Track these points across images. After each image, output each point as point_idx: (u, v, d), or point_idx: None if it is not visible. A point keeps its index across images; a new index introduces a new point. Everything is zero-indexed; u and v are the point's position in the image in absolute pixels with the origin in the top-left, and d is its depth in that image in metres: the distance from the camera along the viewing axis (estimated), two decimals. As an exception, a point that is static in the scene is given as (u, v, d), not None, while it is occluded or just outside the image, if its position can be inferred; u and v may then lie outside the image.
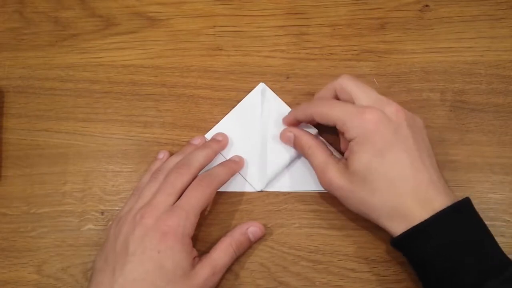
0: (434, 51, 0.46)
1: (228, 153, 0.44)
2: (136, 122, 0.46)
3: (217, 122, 0.45)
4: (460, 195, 0.42)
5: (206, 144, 0.43)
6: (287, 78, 0.46)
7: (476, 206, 0.42)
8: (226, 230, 0.42)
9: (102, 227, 0.43)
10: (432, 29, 0.46)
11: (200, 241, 0.42)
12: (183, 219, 0.37)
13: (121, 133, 0.45)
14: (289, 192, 0.43)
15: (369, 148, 0.36)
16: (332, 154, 0.40)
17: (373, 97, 0.38)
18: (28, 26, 0.49)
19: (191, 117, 0.46)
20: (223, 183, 0.41)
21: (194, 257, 0.38)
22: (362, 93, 0.38)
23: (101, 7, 0.49)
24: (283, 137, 0.43)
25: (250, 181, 0.43)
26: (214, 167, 0.41)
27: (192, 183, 0.39)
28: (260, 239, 0.41)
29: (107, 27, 0.48)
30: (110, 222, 0.41)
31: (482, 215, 0.41)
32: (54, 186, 0.44)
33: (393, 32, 0.46)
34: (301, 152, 0.42)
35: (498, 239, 0.41)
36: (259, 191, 0.43)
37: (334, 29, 0.47)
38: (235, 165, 0.42)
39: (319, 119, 0.39)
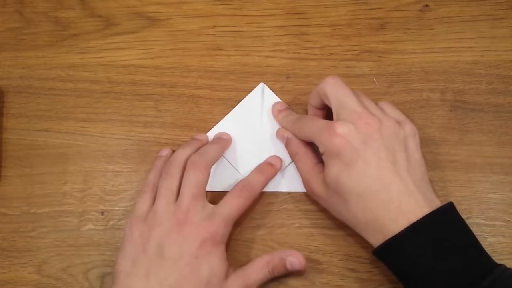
0: (434, 51, 0.46)
1: (228, 153, 0.44)
2: (136, 122, 0.46)
3: (217, 122, 0.45)
4: (460, 195, 0.42)
5: (215, 140, 0.43)
6: (287, 78, 0.46)
7: (476, 206, 0.42)
8: (226, 230, 0.42)
9: (102, 227, 0.43)
10: (432, 29, 0.46)
11: (200, 241, 0.42)
12: (222, 227, 0.37)
13: (121, 133, 0.45)
14: (289, 192, 0.43)
15: (337, 161, 0.36)
16: (318, 163, 0.40)
17: (349, 109, 0.37)
18: (28, 26, 0.49)
19: (191, 117, 0.46)
20: (260, 190, 0.41)
21: (228, 267, 0.38)
22: (340, 107, 0.38)
23: (101, 7, 0.49)
24: (278, 136, 0.43)
25: (250, 181, 0.43)
26: (251, 173, 0.41)
27: (233, 191, 0.40)
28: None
29: (107, 27, 0.48)
30: (128, 223, 0.40)
31: (482, 215, 0.42)
32: (54, 186, 0.44)
33: (393, 32, 0.46)
34: (290, 157, 0.42)
35: (498, 239, 0.41)
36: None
37: (334, 29, 0.47)
38: (272, 169, 0.42)
39: (298, 136, 0.41)
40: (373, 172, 0.35)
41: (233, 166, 0.43)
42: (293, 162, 0.43)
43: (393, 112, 0.39)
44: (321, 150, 0.38)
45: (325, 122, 0.38)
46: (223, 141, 0.43)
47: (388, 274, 0.40)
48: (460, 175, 0.43)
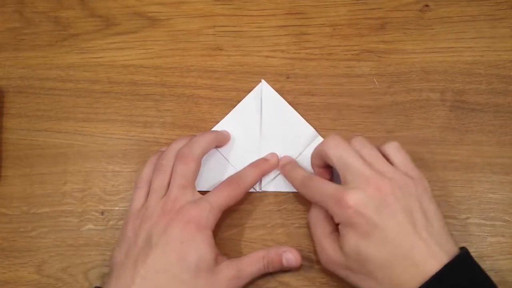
0: (434, 51, 0.46)
1: (228, 153, 0.44)
2: (136, 122, 0.46)
3: (217, 122, 0.45)
4: (460, 196, 0.42)
5: (207, 131, 0.43)
6: (287, 78, 0.46)
7: (476, 206, 0.42)
8: (226, 230, 0.42)
9: (102, 227, 0.43)
10: (432, 29, 0.46)
11: (200, 241, 0.42)
12: (207, 211, 0.37)
13: (121, 133, 0.45)
14: (289, 192, 0.43)
15: (353, 232, 0.34)
16: (334, 231, 0.38)
17: (356, 173, 0.35)
18: (28, 26, 0.49)
19: (191, 117, 0.46)
20: (252, 184, 0.41)
21: (219, 255, 0.38)
22: (345, 170, 0.36)
23: (101, 7, 0.49)
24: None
25: (250, 181, 0.43)
26: (245, 167, 0.42)
27: (223, 181, 0.40)
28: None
29: (107, 27, 0.48)
30: (124, 219, 0.41)
31: (482, 215, 0.42)
32: (54, 186, 0.44)
33: (393, 32, 0.46)
34: (307, 221, 0.41)
35: (498, 239, 0.41)
36: (259, 191, 0.43)
37: (334, 29, 0.47)
38: (267, 165, 0.42)
39: (307, 198, 0.39)
40: (394, 238, 0.34)
41: (233, 166, 0.43)
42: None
43: (400, 159, 0.37)
44: (335, 220, 0.36)
45: (334, 189, 0.36)
46: (216, 133, 0.43)
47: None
48: (460, 175, 0.43)
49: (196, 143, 0.40)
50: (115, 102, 0.46)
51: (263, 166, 0.42)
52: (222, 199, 0.39)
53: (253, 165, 0.42)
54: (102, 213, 0.44)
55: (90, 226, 0.43)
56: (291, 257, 0.39)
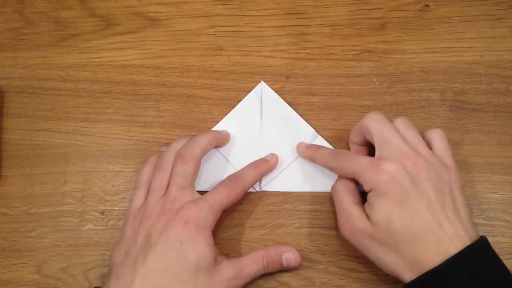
0: (434, 51, 0.46)
1: (228, 153, 0.44)
2: (136, 122, 0.46)
3: (217, 122, 0.45)
4: (460, 195, 0.42)
5: (206, 131, 0.43)
6: (287, 78, 0.46)
7: (476, 206, 0.42)
8: (226, 230, 0.42)
9: (102, 227, 0.43)
10: (432, 29, 0.46)
11: (200, 241, 0.42)
12: (206, 210, 0.37)
13: (121, 133, 0.45)
14: (289, 192, 0.43)
15: (386, 199, 0.35)
16: (360, 203, 0.38)
17: (394, 147, 0.36)
18: (28, 26, 0.49)
19: (191, 117, 0.46)
20: (252, 183, 0.41)
21: (218, 254, 0.38)
22: (383, 144, 0.37)
23: (101, 7, 0.49)
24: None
25: (250, 181, 0.43)
26: (244, 167, 0.42)
27: (222, 181, 0.40)
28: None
29: (107, 27, 0.48)
30: (123, 219, 0.41)
31: (482, 215, 0.42)
32: (54, 186, 0.44)
33: (393, 32, 0.46)
34: (332, 191, 0.40)
35: (498, 239, 0.41)
36: (259, 191, 0.43)
37: (334, 29, 0.47)
38: (266, 165, 0.42)
39: (338, 174, 0.40)
40: (424, 213, 0.34)
41: (233, 166, 0.43)
42: (293, 162, 0.43)
43: (440, 147, 0.38)
44: (366, 187, 0.36)
45: (369, 159, 0.37)
46: (216, 133, 0.43)
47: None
48: (460, 175, 0.43)
49: (196, 143, 0.40)
50: (115, 102, 0.46)
51: (263, 166, 0.42)
52: (221, 199, 0.39)
53: (253, 164, 0.42)
54: (102, 213, 0.44)
55: (90, 226, 0.43)
56: (290, 256, 0.39)
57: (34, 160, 0.45)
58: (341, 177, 0.40)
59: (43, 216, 0.44)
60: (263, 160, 0.43)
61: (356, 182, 0.38)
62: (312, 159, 0.42)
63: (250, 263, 0.39)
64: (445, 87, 0.45)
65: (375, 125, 0.38)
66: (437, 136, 0.38)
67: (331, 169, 0.40)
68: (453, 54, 0.45)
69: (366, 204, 0.37)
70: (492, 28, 0.46)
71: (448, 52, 0.46)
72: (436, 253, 0.33)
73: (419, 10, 0.47)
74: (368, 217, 0.36)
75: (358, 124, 0.40)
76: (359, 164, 0.37)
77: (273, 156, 0.43)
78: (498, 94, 0.44)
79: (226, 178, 0.41)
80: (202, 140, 0.41)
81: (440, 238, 0.34)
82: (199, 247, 0.36)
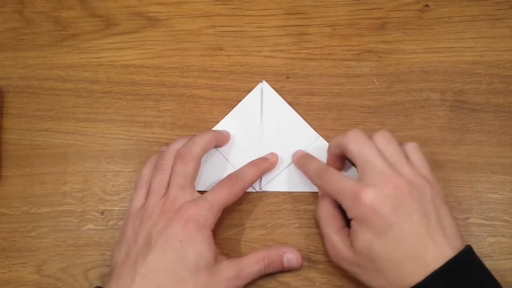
0: (434, 51, 0.46)
1: (229, 153, 0.44)
2: (136, 122, 0.46)
3: (217, 122, 0.45)
4: (460, 196, 0.42)
5: (206, 131, 0.43)
6: (287, 78, 0.46)
7: (476, 206, 0.42)
8: (226, 230, 0.42)
9: (102, 227, 0.43)
10: (432, 29, 0.46)
11: (200, 241, 0.42)
12: (206, 209, 0.37)
13: (121, 133, 0.45)
14: (289, 192, 0.43)
15: (367, 229, 0.34)
16: (345, 226, 0.38)
17: (376, 171, 0.35)
18: (28, 26, 0.49)
19: (191, 117, 0.46)
20: (251, 182, 0.41)
21: (218, 253, 0.38)
22: (365, 167, 0.36)
23: (101, 7, 0.49)
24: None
25: (250, 181, 0.43)
26: (244, 166, 0.42)
27: (222, 180, 0.40)
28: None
29: (107, 27, 0.48)
30: (123, 219, 0.41)
31: (482, 215, 0.42)
32: (54, 186, 0.44)
33: (393, 32, 0.46)
34: (316, 217, 0.40)
35: (498, 239, 0.41)
36: (259, 191, 0.43)
37: (334, 29, 0.47)
38: (266, 164, 0.42)
39: (322, 191, 0.40)
40: (408, 239, 0.34)
41: (233, 166, 0.43)
42: (293, 163, 0.43)
43: (417, 161, 0.37)
44: (348, 215, 0.36)
45: (350, 184, 0.36)
46: (215, 132, 0.43)
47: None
48: (460, 175, 0.43)
49: (195, 143, 0.40)
50: (115, 102, 0.46)
51: (263, 165, 0.42)
52: (221, 198, 0.39)
53: (253, 163, 0.42)
54: (102, 213, 0.44)
55: (90, 226, 0.43)
56: (292, 257, 0.39)
57: (34, 160, 0.45)
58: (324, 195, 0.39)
59: (43, 216, 0.44)
60: (263, 159, 0.43)
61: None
62: (301, 170, 0.42)
63: (251, 263, 0.38)
64: (445, 87, 0.45)
65: (355, 147, 0.37)
66: (413, 151, 0.38)
67: (316, 185, 0.40)
68: (453, 54, 0.45)
69: (350, 230, 0.36)
70: (492, 28, 0.46)
71: (448, 52, 0.46)
72: (424, 274, 0.33)
73: (419, 10, 0.47)
74: (351, 244, 0.36)
75: (337, 140, 0.39)
76: (341, 190, 0.36)
77: (273, 155, 0.43)
78: (498, 94, 0.44)
79: (225, 177, 0.41)
80: (202, 140, 0.41)
81: (426, 261, 0.33)
82: (199, 246, 0.36)
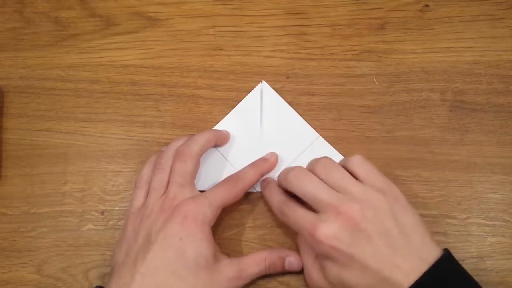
0: (434, 51, 0.46)
1: (228, 153, 0.44)
2: (136, 122, 0.46)
3: (217, 122, 0.45)
4: (460, 196, 0.42)
5: (206, 129, 0.43)
6: (287, 78, 0.46)
7: (476, 206, 0.42)
8: (226, 230, 0.42)
9: (102, 227, 0.43)
10: (432, 29, 0.46)
11: (200, 241, 0.42)
12: (205, 206, 0.37)
13: (121, 133, 0.45)
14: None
15: (333, 263, 0.34)
16: (318, 256, 0.37)
17: (324, 204, 0.35)
18: (28, 26, 0.49)
19: (191, 117, 0.46)
20: (252, 183, 0.41)
21: (218, 251, 0.38)
22: (312, 202, 0.36)
23: (101, 7, 0.49)
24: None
25: (250, 181, 0.43)
26: (244, 167, 0.42)
27: (222, 180, 0.40)
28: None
29: (107, 27, 0.48)
30: (123, 219, 0.41)
31: (482, 215, 0.42)
32: (54, 186, 0.44)
33: (393, 32, 0.46)
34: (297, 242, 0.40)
35: (498, 239, 0.41)
36: (259, 191, 0.43)
37: (334, 29, 0.47)
38: (266, 164, 0.42)
39: (286, 224, 0.38)
40: (374, 264, 0.33)
41: (233, 166, 0.43)
42: (293, 163, 0.43)
43: (365, 173, 0.37)
44: (314, 250, 0.37)
45: (307, 222, 0.35)
46: (215, 131, 0.43)
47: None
48: (460, 175, 0.43)
49: (194, 141, 0.40)
50: (115, 102, 0.46)
51: (263, 166, 0.42)
52: (220, 196, 0.39)
53: (253, 165, 0.42)
54: (102, 213, 0.44)
55: (90, 226, 0.43)
56: (293, 261, 0.40)
57: (34, 160, 0.45)
58: None
59: (43, 216, 0.44)
60: (263, 159, 0.43)
61: None
62: (266, 200, 0.41)
63: (252, 264, 0.39)
64: (445, 87, 0.45)
65: (298, 188, 0.36)
66: (358, 165, 0.37)
67: (280, 218, 0.39)
68: (453, 54, 0.45)
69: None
70: (492, 28, 0.46)
71: (448, 52, 0.46)
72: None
73: (419, 10, 0.47)
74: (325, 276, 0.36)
75: (280, 180, 0.39)
76: (300, 228, 0.36)
77: (272, 154, 0.43)
78: (498, 94, 0.44)
79: (226, 178, 0.41)
80: (201, 139, 0.41)
81: (398, 281, 0.32)
82: (199, 243, 0.36)
